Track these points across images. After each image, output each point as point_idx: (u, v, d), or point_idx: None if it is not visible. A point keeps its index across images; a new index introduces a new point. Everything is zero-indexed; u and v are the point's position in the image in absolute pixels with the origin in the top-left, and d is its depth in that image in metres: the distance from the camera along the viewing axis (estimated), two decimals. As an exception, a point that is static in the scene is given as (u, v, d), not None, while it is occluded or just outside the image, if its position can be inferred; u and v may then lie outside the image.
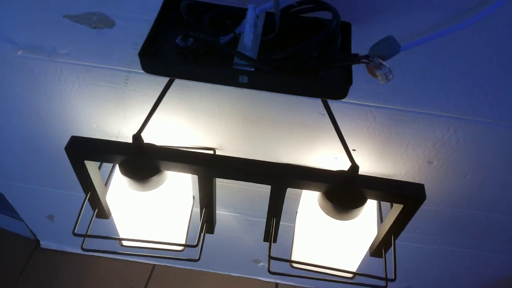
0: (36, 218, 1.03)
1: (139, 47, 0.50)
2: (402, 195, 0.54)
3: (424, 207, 0.71)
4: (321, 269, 0.62)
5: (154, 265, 1.15)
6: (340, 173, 0.54)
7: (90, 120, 0.66)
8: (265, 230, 0.66)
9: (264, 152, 0.66)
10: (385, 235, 0.62)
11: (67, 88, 0.61)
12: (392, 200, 0.55)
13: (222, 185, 0.77)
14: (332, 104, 0.48)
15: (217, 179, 0.58)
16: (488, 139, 0.57)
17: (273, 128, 0.61)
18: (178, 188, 0.61)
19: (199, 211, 0.61)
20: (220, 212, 0.87)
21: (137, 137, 0.53)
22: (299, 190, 0.58)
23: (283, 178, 0.54)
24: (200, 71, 0.39)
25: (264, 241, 0.66)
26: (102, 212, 0.66)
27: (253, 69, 0.38)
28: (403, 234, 0.82)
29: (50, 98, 0.63)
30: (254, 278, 1.14)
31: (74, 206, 0.92)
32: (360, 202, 0.55)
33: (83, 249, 0.62)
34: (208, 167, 0.54)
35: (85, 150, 0.55)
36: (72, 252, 1.16)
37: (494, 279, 0.97)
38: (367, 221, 0.58)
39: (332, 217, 0.56)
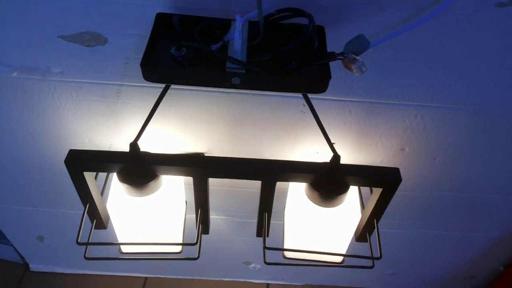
0: (25, 240, 1.04)
1: (130, 61, 0.55)
2: (380, 180, 0.59)
3: (400, 192, 0.78)
4: (312, 254, 0.67)
5: (146, 278, 1.17)
6: (323, 164, 0.59)
7: (82, 135, 0.69)
8: (258, 226, 0.70)
9: (251, 152, 0.71)
10: (368, 219, 0.67)
11: (60, 105, 0.64)
12: (372, 184, 0.61)
13: (211, 189, 0.80)
14: (312, 100, 0.53)
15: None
16: (451, 123, 0.64)
17: (258, 129, 0.66)
18: (173, 193, 0.65)
19: (192, 216, 0.65)
20: (210, 216, 0.91)
21: (134, 144, 0.56)
22: (285, 188, 0.63)
23: (272, 173, 0.59)
24: (196, 76, 0.43)
25: (257, 236, 0.70)
26: (100, 222, 0.69)
27: (244, 71, 0.42)
28: (383, 221, 0.88)
29: (43, 116, 0.66)
30: (246, 281, 1.17)
31: (64, 224, 0.95)
32: (344, 189, 0.60)
33: (86, 258, 0.64)
34: (202, 168, 0.59)
35: (84, 161, 0.58)
36: (61, 272, 1.16)
37: (472, 259, 1.04)
38: (351, 207, 0.63)
39: (319, 205, 0.61)
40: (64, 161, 0.56)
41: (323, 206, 0.61)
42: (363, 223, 0.68)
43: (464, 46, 0.53)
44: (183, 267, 1.13)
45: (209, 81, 0.44)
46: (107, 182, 0.68)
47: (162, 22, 0.48)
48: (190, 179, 0.59)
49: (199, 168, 0.58)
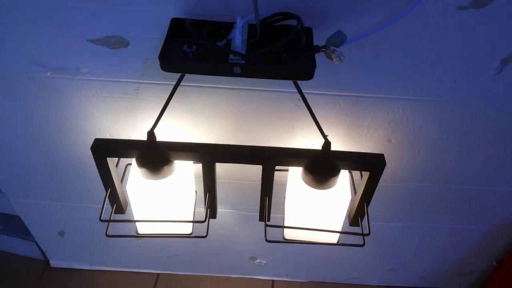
0: (47, 235, 1.12)
1: (148, 61, 0.65)
2: (367, 163, 0.67)
3: (390, 184, 0.86)
4: (309, 235, 0.74)
5: (159, 274, 1.24)
6: (316, 150, 0.67)
7: (105, 130, 0.78)
8: (260, 210, 0.78)
9: (252, 143, 0.79)
10: (359, 203, 0.74)
11: (87, 102, 0.73)
12: (359, 168, 0.69)
13: (218, 182, 0.89)
14: (306, 95, 0.62)
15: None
16: (431, 115, 0.72)
17: (259, 122, 0.75)
18: (184, 180, 0.73)
19: (201, 210, 0.73)
20: (218, 210, 0.98)
21: (150, 132, 0.65)
22: (284, 180, 0.71)
23: (271, 158, 0.67)
24: (204, 66, 0.52)
25: (259, 220, 0.78)
26: (119, 207, 0.77)
27: (243, 62, 0.51)
28: (378, 214, 0.96)
29: (71, 113, 0.75)
30: (252, 278, 1.24)
31: (85, 218, 1.03)
32: (335, 172, 0.68)
33: (107, 235, 0.72)
34: (210, 153, 0.67)
35: (107, 148, 0.67)
36: (79, 268, 1.24)
37: (465, 253, 1.10)
38: (342, 190, 0.71)
39: (313, 187, 0.69)
40: (90, 148, 0.65)
41: (317, 188, 0.69)
42: (355, 208, 0.76)
43: (433, 44, 0.61)
44: (193, 264, 1.20)
45: (215, 70, 0.53)
46: (126, 174, 0.77)
47: (176, 25, 0.58)
48: (199, 172, 0.68)
49: (207, 153, 0.67)
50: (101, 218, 0.70)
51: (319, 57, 0.54)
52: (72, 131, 0.79)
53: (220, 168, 0.84)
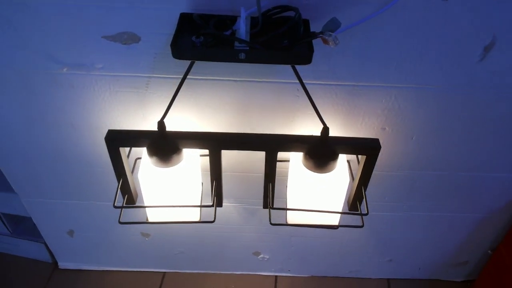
0: (57, 235, 1.16)
1: (158, 56, 0.70)
2: (363, 147, 0.72)
3: (386, 173, 0.90)
4: (311, 218, 0.78)
5: (165, 273, 1.27)
6: (316, 136, 0.72)
7: (116, 124, 0.83)
8: (264, 197, 0.82)
9: (256, 135, 0.84)
10: (357, 188, 0.79)
11: (99, 97, 0.78)
12: (356, 152, 0.74)
13: (224, 175, 0.93)
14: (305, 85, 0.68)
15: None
16: (421, 102, 0.77)
17: (260, 113, 0.80)
18: (192, 169, 0.77)
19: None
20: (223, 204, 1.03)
21: (160, 122, 0.70)
22: (286, 171, 0.75)
23: (274, 144, 0.72)
24: (212, 53, 0.58)
25: (264, 207, 0.82)
26: (130, 198, 0.81)
27: (247, 48, 0.57)
28: (375, 203, 1.00)
29: (84, 108, 0.80)
30: (256, 274, 1.27)
31: (94, 216, 1.07)
32: (333, 156, 0.72)
33: (120, 222, 0.76)
34: (217, 141, 0.72)
35: (120, 138, 0.71)
36: (87, 269, 1.27)
37: (461, 243, 1.14)
38: (341, 173, 0.75)
39: (314, 171, 0.73)
40: (105, 138, 0.70)
41: (318, 172, 0.73)
42: (353, 192, 0.81)
43: (420, 33, 0.67)
44: (198, 261, 1.23)
45: (222, 57, 0.58)
46: (135, 167, 0.82)
47: (185, 19, 0.63)
48: (205, 165, 0.72)
49: (214, 141, 0.72)
50: (115, 204, 0.74)
51: (316, 48, 0.59)
52: (84, 126, 0.84)
53: (224, 161, 0.88)
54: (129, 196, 0.81)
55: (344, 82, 0.74)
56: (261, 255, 1.21)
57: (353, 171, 0.85)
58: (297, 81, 0.73)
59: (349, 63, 0.71)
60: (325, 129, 0.71)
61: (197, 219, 0.82)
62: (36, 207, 1.07)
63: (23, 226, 1.24)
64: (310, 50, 0.58)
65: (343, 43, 0.68)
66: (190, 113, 0.80)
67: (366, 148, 0.73)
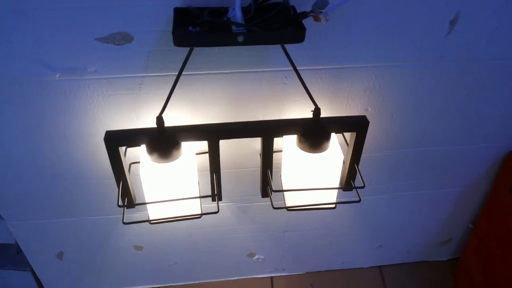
0: (45, 260, 1.12)
1: (151, 54, 0.73)
2: (353, 124, 0.77)
3: (371, 155, 0.95)
4: (309, 198, 0.82)
5: (159, 288, 1.25)
6: (308, 118, 0.76)
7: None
8: (262, 186, 0.85)
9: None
10: (349, 165, 0.83)
11: (92, 103, 0.79)
12: (346, 129, 0.78)
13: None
14: (290, 72, 0.72)
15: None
16: (399, 80, 0.83)
17: (252, 104, 0.83)
18: (190, 165, 0.78)
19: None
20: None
21: (159, 117, 0.72)
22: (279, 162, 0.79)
23: (270, 129, 0.75)
24: (212, 38, 0.61)
25: (262, 197, 0.84)
26: (130, 200, 0.81)
27: (245, 31, 0.61)
28: (363, 190, 1.03)
29: (77, 116, 0.80)
30: (251, 278, 1.27)
31: (86, 233, 1.05)
32: (327, 136, 0.77)
33: (124, 223, 0.76)
34: (215, 131, 0.74)
35: (119, 137, 0.72)
36: (78, 294, 1.23)
37: (444, 220, 1.20)
38: (334, 151, 0.79)
39: (309, 152, 0.77)
40: (104, 139, 0.71)
41: (313, 152, 0.77)
42: (346, 170, 0.85)
43: (394, 12, 0.73)
44: (193, 270, 1.22)
45: (221, 41, 0.61)
46: (130, 172, 0.82)
47: (179, 13, 0.66)
48: (200, 165, 0.74)
49: (212, 132, 0.74)
50: (118, 203, 0.75)
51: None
52: (77, 136, 0.84)
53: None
54: (129, 198, 0.82)
55: (328, 66, 0.79)
56: (256, 256, 1.21)
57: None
58: (285, 69, 0.78)
59: (332, 47, 0.77)
60: (317, 110, 0.75)
61: (198, 211, 0.83)
62: (23, 230, 1.03)
63: (7, 255, 1.19)
64: (302, 29, 0.62)
65: (325, 27, 0.73)
66: (184, 109, 0.82)
67: (355, 125, 0.78)
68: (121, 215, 0.79)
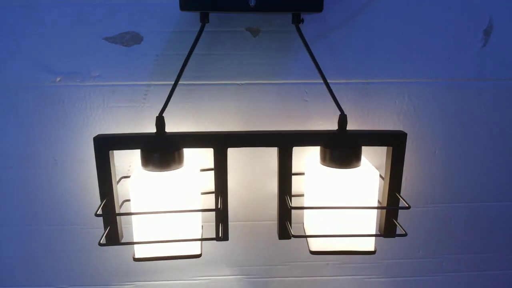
0: None
1: (159, 58, 0.68)
2: (387, 136, 0.65)
3: (412, 209, 0.79)
4: (339, 243, 0.64)
5: None
6: (332, 130, 0.66)
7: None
8: (279, 221, 0.68)
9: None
10: (388, 193, 0.67)
11: (91, 116, 0.71)
12: (379, 142, 0.66)
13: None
14: (312, 86, 0.66)
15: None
16: (437, 101, 0.73)
17: (267, 125, 0.73)
18: (192, 177, 0.65)
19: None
20: (223, 277, 0.83)
21: (159, 117, 0.63)
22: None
23: (288, 138, 0.64)
24: (221, 2, 0.56)
25: (279, 238, 0.68)
26: (115, 236, 0.66)
27: (258, -6, 0.56)
28: (406, 261, 0.83)
29: (72, 134, 0.72)
30: None
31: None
32: (355, 148, 0.64)
33: (100, 244, 0.60)
34: (223, 138, 0.63)
35: (111, 140, 0.62)
36: None
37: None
38: (367, 168, 0.65)
39: (334, 167, 0.64)
40: (93, 138, 0.62)
41: (340, 168, 0.64)
42: (386, 201, 0.68)
43: (419, 21, 0.68)
44: None
45: (231, 4, 0.56)
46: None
47: None
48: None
49: (219, 138, 0.63)
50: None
51: (322, 48, 0.63)
52: (67, 162, 0.73)
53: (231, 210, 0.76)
54: (112, 228, 0.66)
55: (352, 80, 0.71)
56: None
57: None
58: (305, 81, 0.71)
59: (356, 59, 0.70)
60: (343, 117, 0.65)
61: (197, 252, 0.65)
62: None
63: None
64: (320, -2, 0.57)
65: (347, 34, 0.68)
66: (190, 126, 0.73)
67: (390, 137, 0.65)
68: None
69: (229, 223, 0.79)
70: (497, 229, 0.83)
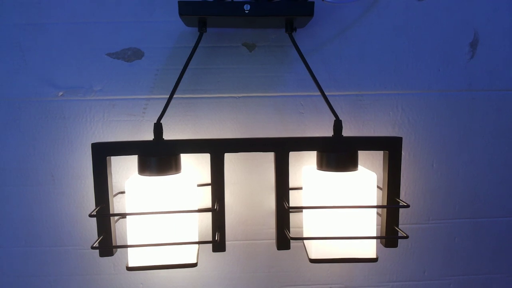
0: None
1: (159, 73, 0.71)
2: (382, 142, 0.66)
3: (415, 226, 0.78)
4: (340, 250, 0.62)
5: None
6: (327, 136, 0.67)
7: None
8: (277, 230, 0.67)
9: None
10: (388, 196, 0.66)
11: (91, 130, 0.72)
12: (375, 146, 0.66)
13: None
14: (307, 99, 0.68)
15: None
16: (431, 112, 0.74)
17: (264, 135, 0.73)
18: (189, 185, 0.64)
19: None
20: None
21: (157, 124, 0.64)
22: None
23: (285, 143, 0.65)
24: (218, 7, 0.60)
25: (278, 249, 0.67)
26: (109, 248, 0.64)
27: (253, 0, 0.59)
28: (410, 283, 0.81)
29: (71, 149, 0.72)
30: None
31: None
32: (351, 151, 0.64)
33: (92, 247, 0.58)
34: (219, 143, 0.64)
35: (109, 147, 0.63)
36: None
37: None
38: (364, 171, 0.65)
39: (332, 170, 0.63)
40: (91, 144, 0.63)
41: (336, 171, 0.63)
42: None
43: (408, 35, 0.72)
44: None
45: (227, 10, 0.60)
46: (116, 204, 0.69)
47: None
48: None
49: (216, 143, 0.64)
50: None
51: (316, 61, 0.68)
52: (65, 178, 0.73)
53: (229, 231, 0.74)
54: (105, 237, 0.64)
55: (346, 92, 0.73)
56: None
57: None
58: (300, 94, 0.73)
59: (349, 71, 0.73)
60: (338, 123, 0.66)
61: (193, 261, 0.63)
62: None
63: None
64: (311, 3, 0.61)
65: (339, 47, 0.72)
66: (188, 137, 0.73)
67: (386, 142, 0.66)
68: None
69: (227, 242, 0.77)
70: (505, 247, 0.80)
